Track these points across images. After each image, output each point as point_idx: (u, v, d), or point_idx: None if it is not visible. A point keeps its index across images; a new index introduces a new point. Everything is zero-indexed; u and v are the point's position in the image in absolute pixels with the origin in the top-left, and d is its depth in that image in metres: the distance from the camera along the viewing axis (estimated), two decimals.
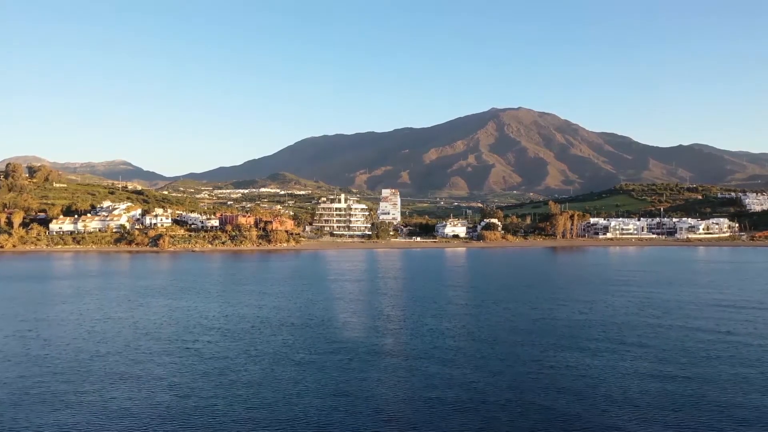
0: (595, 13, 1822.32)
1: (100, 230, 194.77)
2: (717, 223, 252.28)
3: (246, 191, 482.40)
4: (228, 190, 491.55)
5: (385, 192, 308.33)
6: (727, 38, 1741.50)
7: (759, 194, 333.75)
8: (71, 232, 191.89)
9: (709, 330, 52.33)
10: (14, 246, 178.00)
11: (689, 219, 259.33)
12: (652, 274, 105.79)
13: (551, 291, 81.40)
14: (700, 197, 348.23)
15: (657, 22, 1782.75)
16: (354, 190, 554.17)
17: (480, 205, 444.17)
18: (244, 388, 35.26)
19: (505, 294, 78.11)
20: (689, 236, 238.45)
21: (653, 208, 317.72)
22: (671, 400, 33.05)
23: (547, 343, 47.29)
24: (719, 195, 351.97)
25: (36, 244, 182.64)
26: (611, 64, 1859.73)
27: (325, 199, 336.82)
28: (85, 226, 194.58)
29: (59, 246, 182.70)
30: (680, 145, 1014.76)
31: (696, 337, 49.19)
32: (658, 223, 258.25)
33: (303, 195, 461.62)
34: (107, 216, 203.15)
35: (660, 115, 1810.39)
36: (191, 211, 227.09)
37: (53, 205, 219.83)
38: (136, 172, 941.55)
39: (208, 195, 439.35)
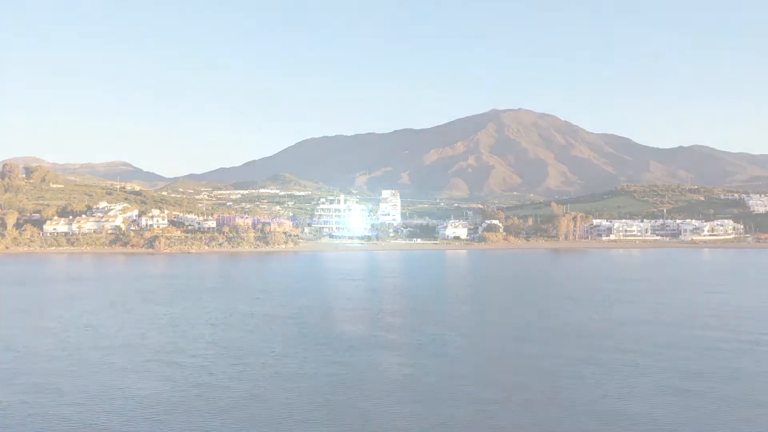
0: (594, 14, 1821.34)
1: (95, 231, 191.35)
2: (722, 225, 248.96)
3: (245, 192, 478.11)
4: (227, 191, 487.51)
5: (385, 193, 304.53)
6: (727, 39, 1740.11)
7: (762, 195, 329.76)
8: (66, 234, 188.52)
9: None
10: (7, 248, 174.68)
11: (693, 220, 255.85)
12: (664, 277, 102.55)
13: (558, 295, 78.15)
14: (702, 198, 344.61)
15: (656, 23, 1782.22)
16: (354, 191, 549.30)
17: (480, 206, 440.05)
18: (231, 404, 31.95)
19: (510, 301, 74.90)
20: (694, 238, 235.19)
21: (655, 210, 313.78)
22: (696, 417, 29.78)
23: (561, 352, 44.04)
24: (722, 196, 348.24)
25: (29, 246, 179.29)
26: (611, 65, 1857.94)
27: (324, 200, 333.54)
28: (79, 228, 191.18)
29: (53, 248, 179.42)
30: (680, 147, 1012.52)
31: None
32: (661, 224, 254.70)
33: (303, 196, 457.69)
34: (102, 217, 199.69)
35: (660, 116, 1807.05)
36: (188, 212, 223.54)
37: (48, 205, 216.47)
38: (136, 173, 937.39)
39: (208, 196, 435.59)
